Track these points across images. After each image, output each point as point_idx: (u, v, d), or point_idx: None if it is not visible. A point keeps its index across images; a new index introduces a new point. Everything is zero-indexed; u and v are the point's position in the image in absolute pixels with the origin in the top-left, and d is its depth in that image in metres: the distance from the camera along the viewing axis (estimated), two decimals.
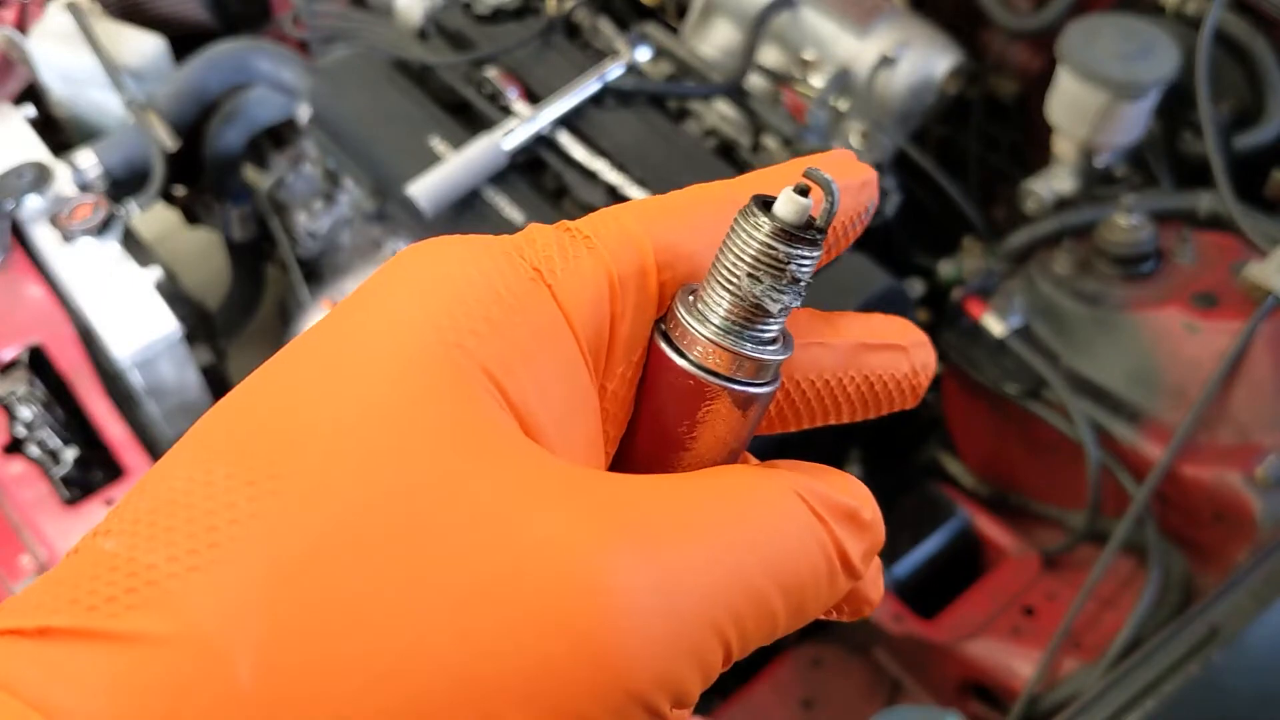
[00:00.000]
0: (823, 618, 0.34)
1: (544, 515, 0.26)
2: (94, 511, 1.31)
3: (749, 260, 0.30)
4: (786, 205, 0.30)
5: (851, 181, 0.35)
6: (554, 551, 0.26)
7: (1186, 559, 1.27)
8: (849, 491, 0.31)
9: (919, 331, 0.37)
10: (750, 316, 0.30)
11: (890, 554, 1.41)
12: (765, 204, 0.30)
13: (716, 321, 0.31)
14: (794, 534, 0.29)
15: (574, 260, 0.31)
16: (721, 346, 0.30)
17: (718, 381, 0.31)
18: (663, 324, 0.32)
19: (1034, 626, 1.31)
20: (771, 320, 0.31)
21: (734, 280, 0.30)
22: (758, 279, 0.30)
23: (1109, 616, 1.25)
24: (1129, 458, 1.29)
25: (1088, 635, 1.25)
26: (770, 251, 0.30)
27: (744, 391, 0.31)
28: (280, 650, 0.24)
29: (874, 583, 0.34)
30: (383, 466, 0.26)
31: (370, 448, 0.26)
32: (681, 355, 0.31)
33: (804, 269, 0.30)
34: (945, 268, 1.53)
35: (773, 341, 0.31)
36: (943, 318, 1.47)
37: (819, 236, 0.30)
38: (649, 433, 0.33)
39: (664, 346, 0.31)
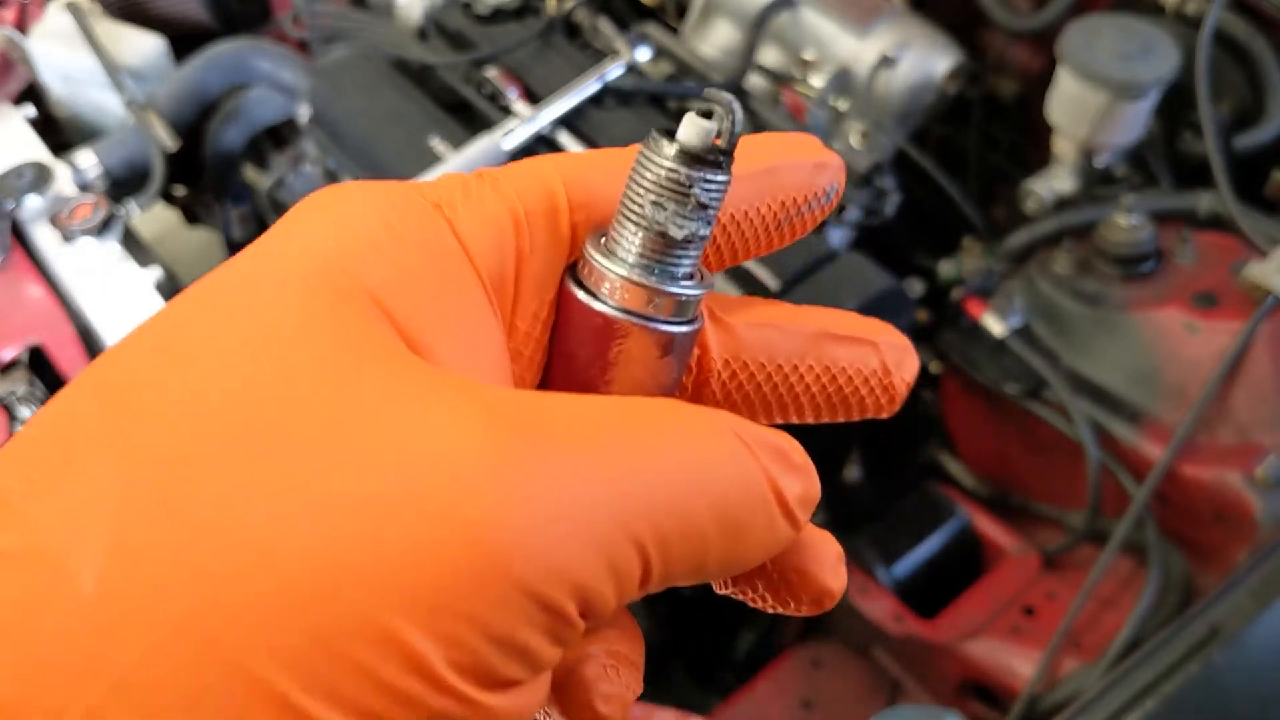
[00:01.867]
0: (782, 610, 0.32)
1: (423, 414, 0.25)
2: None
3: (653, 187, 0.29)
4: (688, 128, 0.29)
5: (805, 160, 0.33)
6: (431, 446, 0.24)
7: (1186, 559, 1.27)
8: (778, 434, 0.29)
9: (897, 333, 0.34)
10: (657, 248, 0.29)
11: (890, 554, 1.41)
12: (669, 133, 0.29)
13: (623, 256, 0.29)
14: (724, 457, 0.27)
15: (477, 197, 0.30)
16: (630, 280, 0.29)
17: (626, 318, 0.29)
18: (574, 265, 0.31)
19: (1034, 626, 1.30)
20: (680, 251, 0.29)
21: (639, 209, 0.29)
22: (662, 205, 0.29)
23: (1109, 616, 1.25)
24: (1129, 458, 1.29)
25: (1088, 635, 1.25)
26: (673, 175, 0.29)
27: (655, 329, 0.30)
28: (123, 557, 0.23)
29: (834, 571, 0.31)
30: (244, 379, 0.25)
31: (231, 363, 0.25)
32: (589, 293, 0.30)
33: (710, 193, 0.29)
34: (945, 268, 1.53)
35: (686, 277, 0.30)
36: (943, 318, 1.47)
37: (724, 159, 0.29)
38: (564, 380, 0.31)
39: (571, 286, 0.30)
